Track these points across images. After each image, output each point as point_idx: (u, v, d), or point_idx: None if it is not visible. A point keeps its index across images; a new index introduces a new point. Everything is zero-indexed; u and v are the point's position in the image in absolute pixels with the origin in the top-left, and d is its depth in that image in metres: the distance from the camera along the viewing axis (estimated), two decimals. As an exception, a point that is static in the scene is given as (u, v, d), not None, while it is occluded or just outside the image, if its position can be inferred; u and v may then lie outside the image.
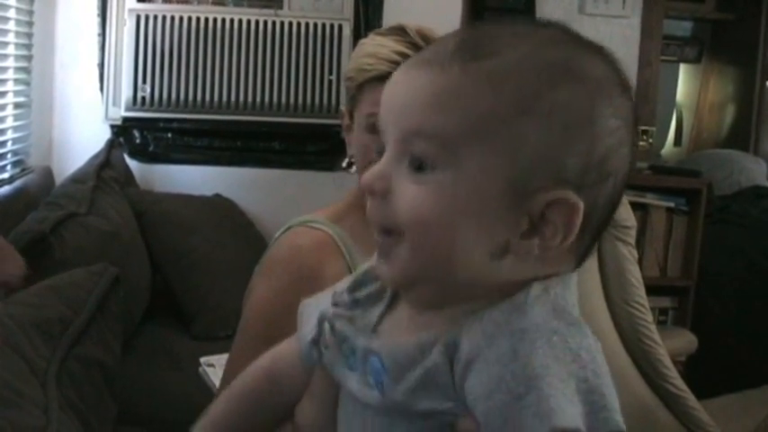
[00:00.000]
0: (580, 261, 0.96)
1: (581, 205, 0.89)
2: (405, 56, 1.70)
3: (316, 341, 1.03)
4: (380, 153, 0.97)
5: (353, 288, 1.04)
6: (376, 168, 0.95)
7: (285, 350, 1.12)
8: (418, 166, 0.91)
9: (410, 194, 0.91)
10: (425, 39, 1.76)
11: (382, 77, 1.72)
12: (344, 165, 1.90)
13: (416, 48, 1.73)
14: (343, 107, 1.87)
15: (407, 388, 0.89)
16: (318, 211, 1.82)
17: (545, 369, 0.81)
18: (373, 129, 1.72)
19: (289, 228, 1.82)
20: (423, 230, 0.90)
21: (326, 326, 1.01)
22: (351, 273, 1.71)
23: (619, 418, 0.83)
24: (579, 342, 0.85)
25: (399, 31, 1.79)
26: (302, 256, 1.72)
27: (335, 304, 1.04)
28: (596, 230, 0.95)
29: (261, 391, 1.14)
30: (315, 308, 1.06)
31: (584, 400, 0.81)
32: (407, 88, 0.94)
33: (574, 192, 0.89)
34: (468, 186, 0.89)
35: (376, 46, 1.78)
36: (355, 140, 1.80)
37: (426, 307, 0.95)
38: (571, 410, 0.80)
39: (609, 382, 0.84)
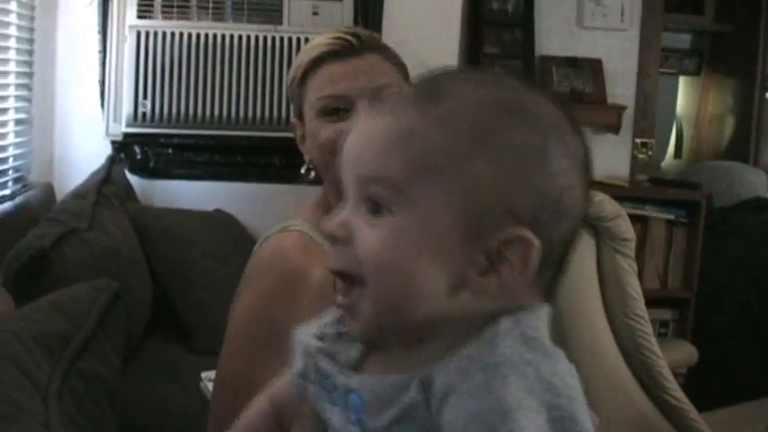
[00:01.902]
0: (546, 294, 0.98)
1: (536, 243, 0.91)
2: (335, 38, 1.77)
3: (304, 375, 1.04)
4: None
5: (340, 320, 1.06)
6: (337, 216, 0.97)
7: (283, 381, 1.13)
8: (375, 209, 0.94)
9: (369, 238, 0.93)
10: (353, 29, 1.83)
11: (318, 59, 1.77)
12: (303, 171, 1.92)
13: (345, 33, 1.79)
14: (293, 120, 1.89)
15: (386, 424, 0.90)
16: (291, 218, 1.83)
17: (518, 401, 0.83)
18: (324, 111, 1.76)
19: (266, 238, 1.83)
20: (382, 274, 0.92)
21: (310, 361, 1.03)
22: None
23: None
24: (552, 370, 0.87)
25: (334, 30, 1.84)
26: (287, 256, 1.74)
27: (321, 338, 1.05)
28: (556, 266, 0.97)
29: (267, 424, 1.15)
30: (302, 340, 1.07)
31: (559, 428, 0.84)
32: (364, 135, 0.97)
33: (529, 230, 0.91)
34: (423, 227, 0.91)
35: (307, 44, 1.85)
36: (309, 135, 1.82)
37: (398, 346, 0.97)
38: None
39: (583, 406, 0.87)
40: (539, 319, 0.93)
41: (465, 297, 0.92)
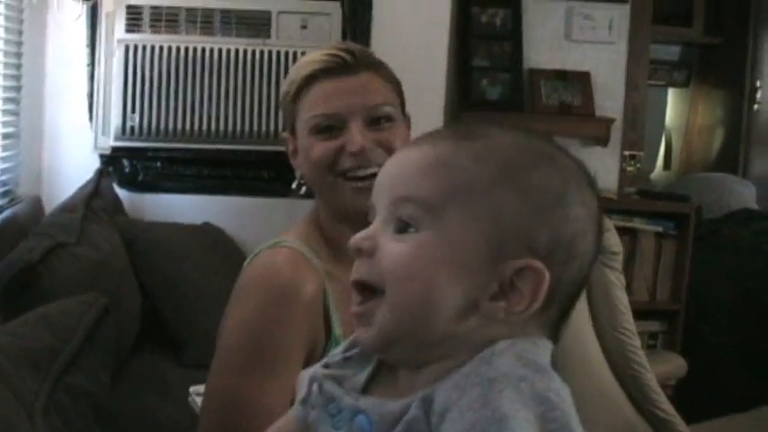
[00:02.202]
0: (552, 334, 1.03)
1: (547, 275, 0.97)
2: (330, 55, 1.77)
3: (305, 401, 1.08)
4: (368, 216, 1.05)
5: (348, 347, 1.11)
6: (364, 231, 1.03)
7: (287, 417, 1.16)
8: (403, 228, 1.00)
9: (393, 251, 1.00)
10: (347, 45, 1.84)
11: (312, 77, 1.78)
12: (294, 186, 1.93)
13: (339, 50, 1.80)
14: (284, 133, 1.89)
15: None
16: (283, 234, 1.83)
17: (514, 412, 0.87)
18: (316, 130, 1.76)
19: (257, 253, 1.83)
20: (403, 283, 0.98)
21: (315, 386, 1.07)
22: (326, 287, 1.74)
23: None
24: (546, 386, 0.91)
25: (325, 46, 1.86)
26: (278, 272, 1.73)
27: (326, 366, 1.10)
28: (563, 307, 1.03)
29: None
30: (311, 369, 1.12)
31: None
32: (400, 161, 1.05)
33: (542, 263, 0.97)
34: (446, 246, 0.98)
35: (301, 60, 1.86)
36: (300, 151, 1.83)
37: (402, 366, 1.02)
38: None
39: (577, 420, 0.91)
40: (536, 346, 0.97)
41: (473, 321, 0.98)
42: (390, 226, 1.01)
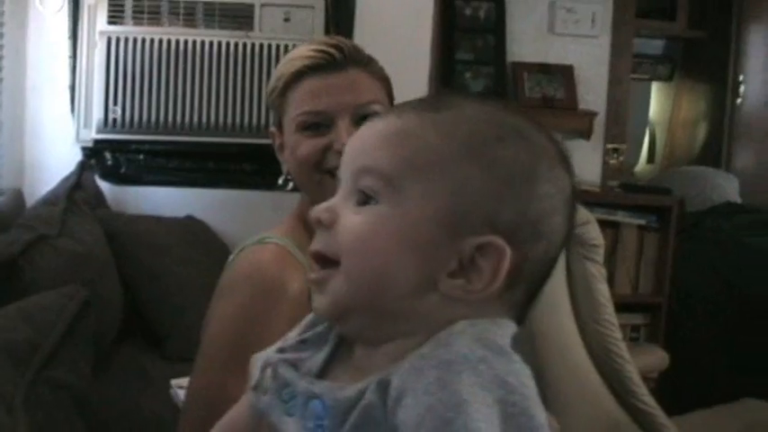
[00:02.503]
0: (518, 315, 1.00)
1: (508, 252, 0.94)
2: (318, 51, 1.77)
3: (256, 387, 1.05)
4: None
5: (304, 330, 1.08)
6: (325, 203, 1.01)
7: (238, 407, 1.14)
8: (364, 201, 0.98)
9: (350, 223, 0.98)
10: (336, 40, 1.82)
11: (300, 73, 1.77)
12: (280, 182, 1.92)
13: (328, 45, 1.79)
14: (272, 128, 1.89)
15: (348, 429, 0.91)
16: (268, 230, 1.83)
17: (472, 396, 0.84)
18: (303, 126, 1.76)
19: (242, 249, 1.82)
20: (358, 255, 0.96)
21: (268, 371, 1.04)
22: None
23: None
24: (506, 368, 0.88)
25: (311, 41, 1.86)
26: (264, 269, 1.73)
27: (281, 350, 1.07)
28: (531, 288, 1.00)
29: None
30: (264, 353, 1.08)
31: (513, 424, 0.85)
32: (365, 133, 1.02)
33: (504, 241, 0.94)
34: (405, 219, 0.95)
35: (289, 54, 1.84)
36: (287, 148, 1.82)
37: (360, 342, 0.99)
38: None
39: (539, 404, 0.88)
40: (498, 326, 0.95)
41: (432, 298, 0.95)
42: (352, 198, 1.00)
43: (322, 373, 1.02)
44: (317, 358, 1.03)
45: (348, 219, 0.98)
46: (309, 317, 1.09)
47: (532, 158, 0.98)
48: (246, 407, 1.09)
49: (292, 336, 1.09)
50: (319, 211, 1.00)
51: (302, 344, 1.06)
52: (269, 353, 1.08)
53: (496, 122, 1.00)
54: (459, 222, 0.95)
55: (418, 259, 0.95)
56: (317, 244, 1.01)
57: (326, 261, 0.99)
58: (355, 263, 0.96)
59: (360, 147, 1.01)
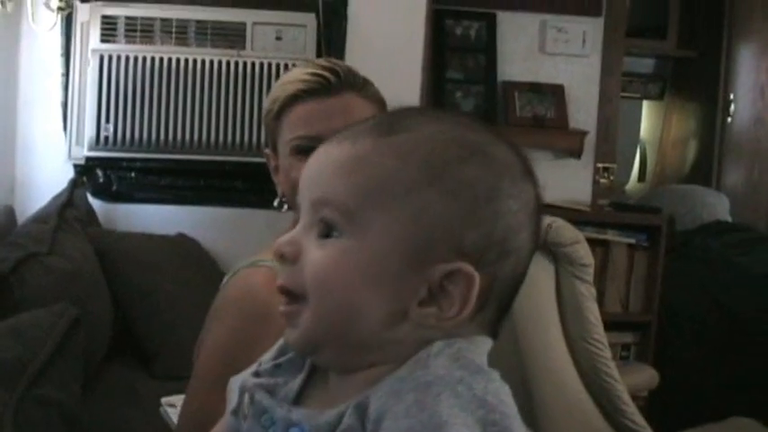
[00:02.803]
0: (492, 331, 0.99)
1: (477, 278, 0.92)
2: (313, 75, 1.77)
3: (236, 411, 1.04)
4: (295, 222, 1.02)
5: (278, 354, 1.07)
6: (287, 235, 0.99)
7: (218, 429, 1.12)
8: (326, 233, 0.96)
9: (315, 257, 0.95)
10: (331, 63, 1.82)
11: (295, 97, 1.77)
12: (276, 204, 1.92)
13: (323, 69, 1.78)
14: (267, 150, 1.89)
15: None
16: (262, 252, 1.83)
17: (452, 417, 0.83)
18: (297, 151, 1.76)
19: (237, 271, 1.83)
20: (324, 293, 0.94)
21: (246, 397, 1.03)
22: None
23: None
24: (485, 387, 0.88)
25: (307, 63, 1.86)
26: (255, 293, 1.73)
27: (256, 374, 1.06)
28: (501, 305, 0.99)
29: None
30: (239, 383, 1.07)
31: None
32: (320, 160, 0.99)
33: (472, 266, 0.93)
34: (369, 252, 0.93)
35: (285, 76, 1.85)
36: (282, 171, 1.83)
37: (334, 371, 0.98)
38: None
39: (519, 423, 0.88)
40: (474, 344, 0.94)
41: (404, 327, 0.94)
42: (314, 229, 0.97)
43: (298, 399, 1.01)
44: (293, 384, 1.02)
45: (312, 254, 0.96)
46: (282, 340, 1.07)
47: (495, 176, 0.96)
48: (226, 430, 1.08)
49: (267, 359, 1.08)
50: (282, 244, 0.98)
51: (277, 368, 1.05)
52: (245, 376, 1.07)
53: (455, 142, 0.97)
54: (424, 251, 0.93)
55: (386, 292, 0.93)
56: (283, 278, 0.99)
57: (294, 295, 0.98)
58: (322, 300, 0.95)
59: (315, 176, 0.99)
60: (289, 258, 0.97)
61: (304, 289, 0.96)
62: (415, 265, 0.93)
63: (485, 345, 0.96)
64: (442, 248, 0.93)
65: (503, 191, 0.96)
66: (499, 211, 0.95)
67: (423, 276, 0.93)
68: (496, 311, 0.99)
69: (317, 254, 0.95)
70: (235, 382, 1.08)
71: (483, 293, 0.94)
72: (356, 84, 1.81)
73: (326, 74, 1.78)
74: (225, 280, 1.86)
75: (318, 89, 1.77)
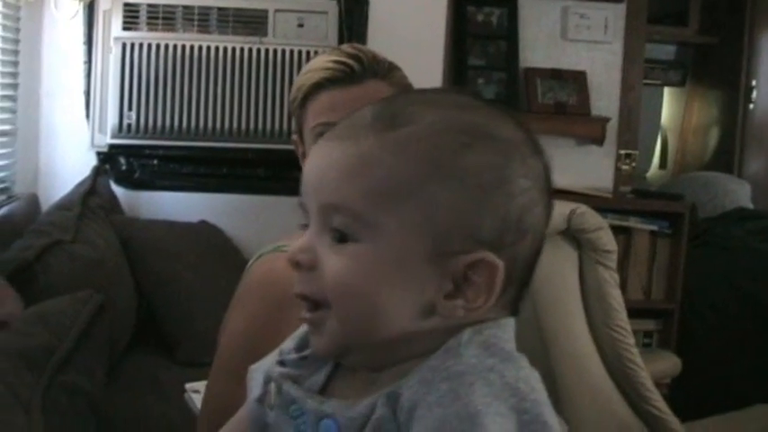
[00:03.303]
0: (513, 309, 0.98)
1: (501, 266, 0.92)
2: (337, 63, 1.77)
3: (261, 400, 1.03)
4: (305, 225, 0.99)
5: (300, 347, 1.05)
6: (300, 242, 0.97)
7: (236, 418, 1.12)
8: (340, 237, 0.93)
9: (334, 266, 0.93)
10: (356, 50, 1.82)
11: (318, 85, 1.77)
12: None
13: (348, 56, 1.78)
14: (294, 136, 1.89)
15: None
16: (285, 237, 1.83)
17: (486, 406, 0.83)
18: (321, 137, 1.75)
19: (260, 256, 1.83)
20: (348, 301, 0.92)
21: (272, 386, 1.01)
22: None
23: None
24: (516, 375, 0.88)
25: (332, 50, 1.85)
26: (277, 279, 1.72)
27: (282, 363, 1.04)
28: (522, 282, 0.98)
29: None
30: (261, 371, 1.06)
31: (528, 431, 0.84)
32: (323, 162, 0.96)
33: (493, 252, 0.92)
34: (388, 254, 0.92)
35: (310, 64, 1.84)
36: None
37: (365, 370, 0.96)
38: None
39: (550, 409, 0.88)
40: (502, 329, 0.94)
41: (433, 321, 0.93)
42: (326, 235, 0.95)
43: (325, 389, 1.00)
44: (319, 376, 1.01)
45: (330, 262, 0.93)
46: (303, 329, 1.06)
47: (503, 158, 0.94)
48: (249, 418, 1.07)
49: (288, 348, 1.07)
50: (297, 252, 0.97)
51: (302, 360, 1.03)
52: (268, 365, 1.05)
53: (459, 128, 0.94)
54: (443, 245, 0.91)
55: (410, 291, 0.92)
56: (301, 287, 0.97)
57: (315, 303, 0.96)
58: (346, 308, 0.93)
59: (320, 179, 0.96)
60: (305, 266, 0.96)
61: (325, 296, 0.94)
62: (436, 261, 0.92)
63: (510, 326, 0.95)
64: (460, 240, 0.92)
65: (513, 171, 0.94)
66: (512, 192, 0.93)
67: (445, 270, 0.92)
68: (518, 289, 0.98)
69: (334, 261, 0.93)
70: (256, 371, 1.07)
71: (506, 276, 0.93)
72: (380, 70, 1.81)
73: (350, 61, 1.78)
74: (248, 265, 1.87)
75: (342, 77, 1.77)
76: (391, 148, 0.92)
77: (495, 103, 1.02)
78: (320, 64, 1.81)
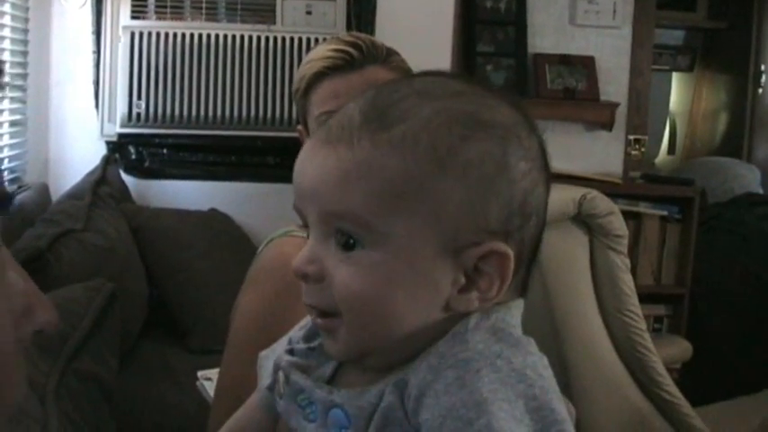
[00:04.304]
0: (522, 290, 0.98)
1: (511, 254, 0.91)
2: (337, 51, 1.77)
3: (271, 388, 1.03)
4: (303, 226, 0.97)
5: (309, 337, 1.04)
6: (305, 253, 0.95)
7: (248, 405, 1.12)
8: (345, 243, 0.91)
9: (343, 277, 0.91)
10: (354, 38, 1.82)
11: (320, 74, 1.78)
12: None
13: (347, 44, 1.79)
14: (299, 126, 1.90)
15: None
16: (294, 223, 1.83)
17: (493, 393, 0.83)
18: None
19: (270, 240, 1.84)
20: (360, 310, 0.91)
21: (281, 375, 1.01)
22: None
23: (570, 428, 0.85)
24: (523, 361, 0.87)
25: (331, 39, 1.85)
26: (286, 263, 1.72)
27: (290, 351, 1.04)
28: (531, 260, 0.97)
29: None
30: (271, 359, 1.06)
31: (535, 418, 0.84)
32: (318, 169, 0.93)
33: (501, 240, 0.91)
34: (398, 258, 0.90)
35: (310, 54, 1.85)
36: None
37: (380, 370, 0.94)
38: (521, 431, 0.82)
39: (558, 395, 0.87)
40: (509, 312, 0.93)
41: (447, 314, 0.92)
42: (330, 242, 0.92)
43: (334, 377, 0.99)
44: (327, 367, 1.00)
45: (338, 272, 0.91)
46: (311, 319, 1.03)
47: (501, 145, 0.92)
48: (259, 405, 1.07)
49: (297, 337, 1.06)
50: (303, 264, 0.94)
51: (311, 351, 1.02)
52: (277, 352, 1.05)
53: (454, 120, 0.91)
54: (452, 241, 0.90)
55: (423, 292, 0.90)
56: (311, 299, 0.95)
57: (325, 313, 0.94)
58: (359, 317, 0.91)
59: (318, 188, 0.92)
60: (313, 279, 0.93)
61: (337, 309, 0.92)
62: (445, 258, 0.90)
63: (518, 309, 0.95)
64: (469, 233, 0.90)
65: (512, 156, 0.92)
66: (514, 177, 0.92)
67: (457, 265, 0.91)
68: (527, 270, 0.97)
69: (343, 271, 0.91)
70: (265, 358, 1.07)
71: (516, 261, 0.92)
72: (379, 56, 1.82)
73: (350, 49, 1.79)
74: (259, 249, 1.87)
75: (342, 65, 1.77)
76: (389, 149, 0.90)
77: (484, 84, 1.00)
78: (320, 53, 1.82)
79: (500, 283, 0.91)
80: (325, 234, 0.93)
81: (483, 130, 0.92)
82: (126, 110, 4.00)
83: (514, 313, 0.94)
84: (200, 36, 4.01)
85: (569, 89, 4.55)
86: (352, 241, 0.91)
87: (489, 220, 0.90)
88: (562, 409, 0.86)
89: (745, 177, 5.27)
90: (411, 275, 0.90)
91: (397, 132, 0.90)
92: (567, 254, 2.83)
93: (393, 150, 0.89)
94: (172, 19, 4.03)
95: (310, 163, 0.94)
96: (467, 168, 0.90)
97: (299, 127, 1.90)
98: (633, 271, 3.10)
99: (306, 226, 0.97)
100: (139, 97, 3.98)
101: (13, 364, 0.87)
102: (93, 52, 4.06)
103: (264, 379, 1.05)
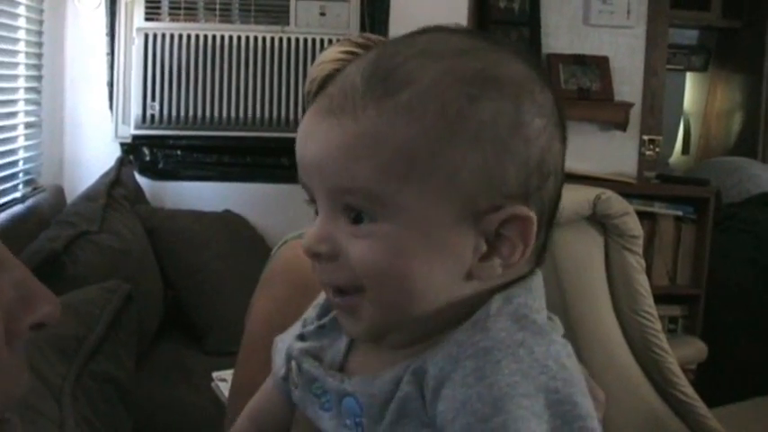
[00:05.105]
0: (538, 259, 0.94)
1: (533, 217, 0.87)
2: (348, 53, 1.76)
3: (286, 378, 1.01)
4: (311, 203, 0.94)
5: (322, 313, 1.03)
6: (315, 231, 0.91)
7: (264, 390, 1.11)
8: (355, 217, 0.88)
9: (361, 251, 0.87)
10: (365, 39, 1.80)
11: (331, 76, 1.76)
12: None
13: (357, 46, 1.78)
14: None
15: (388, 424, 0.86)
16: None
17: (512, 388, 0.79)
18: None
19: (285, 242, 1.83)
20: (384, 282, 0.87)
21: (294, 365, 0.99)
22: None
23: (594, 425, 0.81)
24: (546, 351, 0.83)
25: (342, 41, 1.84)
26: (301, 265, 1.71)
27: (302, 337, 1.02)
28: (547, 225, 0.93)
29: None
30: (285, 344, 1.04)
31: (556, 413, 0.80)
32: (322, 142, 0.89)
33: (522, 203, 0.87)
34: (416, 229, 0.86)
35: (321, 56, 1.82)
36: None
37: (402, 348, 0.92)
38: (539, 430, 0.78)
39: (581, 388, 0.83)
40: (532, 295, 0.90)
41: (472, 284, 0.88)
42: (339, 218, 0.89)
43: (346, 360, 0.97)
44: (339, 345, 0.98)
45: (353, 247, 0.88)
46: (323, 298, 1.03)
47: (514, 102, 0.88)
48: (277, 395, 1.05)
49: (311, 315, 1.05)
50: (314, 243, 0.91)
51: (321, 329, 1.01)
52: (289, 340, 1.03)
53: (462, 80, 0.87)
54: (470, 208, 0.86)
55: (444, 261, 0.87)
56: (327, 277, 0.92)
57: (344, 290, 0.90)
58: (383, 290, 0.87)
59: (323, 162, 0.88)
60: (327, 257, 0.90)
61: (356, 283, 0.88)
62: (464, 225, 0.86)
63: (540, 290, 0.92)
64: (487, 197, 0.86)
65: (526, 113, 0.88)
66: (529, 136, 0.88)
67: (477, 231, 0.87)
68: (545, 232, 0.93)
69: (358, 246, 0.87)
70: (280, 341, 1.06)
71: (537, 224, 0.88)
72: None
73: (360, 51, 1.78)
74: (274, 251, 1.87)
75: None
76: (395, 117, 0.85)
77: (489, 38, 0.95)
78: (331, 55, 1.81)
79: (523, 248, 0.88)
80: (334, 210, 0.89)
81: (493, 87, 0.87)
82: (140, 111, 4.01)
83: (537, 297, 0.90)
84: (214, 37, 4.02)
85: (583, 89, 4.55)
86: (362, 216, 0.87)
87: (507, 182, 0.86)
88: (586, 402, 0.82)
89: (759, 177, 5.24)
90: (429, 245, 0.86)
91: (403, 98, 0.86)
92: (582, 254, 2.82)
93: (400, 118, 0.85)
94: (185, 20, 4.04)
95: (313, 136, 0.90)
96: (479, 131, 0.85)
97: None
98: (648, 271, 3.09)
99: (313, 201, 0.94)
100: (153, 99, 3.99)
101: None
102: (108, 54, 4.07)
103: (278, 367, 1.04)
